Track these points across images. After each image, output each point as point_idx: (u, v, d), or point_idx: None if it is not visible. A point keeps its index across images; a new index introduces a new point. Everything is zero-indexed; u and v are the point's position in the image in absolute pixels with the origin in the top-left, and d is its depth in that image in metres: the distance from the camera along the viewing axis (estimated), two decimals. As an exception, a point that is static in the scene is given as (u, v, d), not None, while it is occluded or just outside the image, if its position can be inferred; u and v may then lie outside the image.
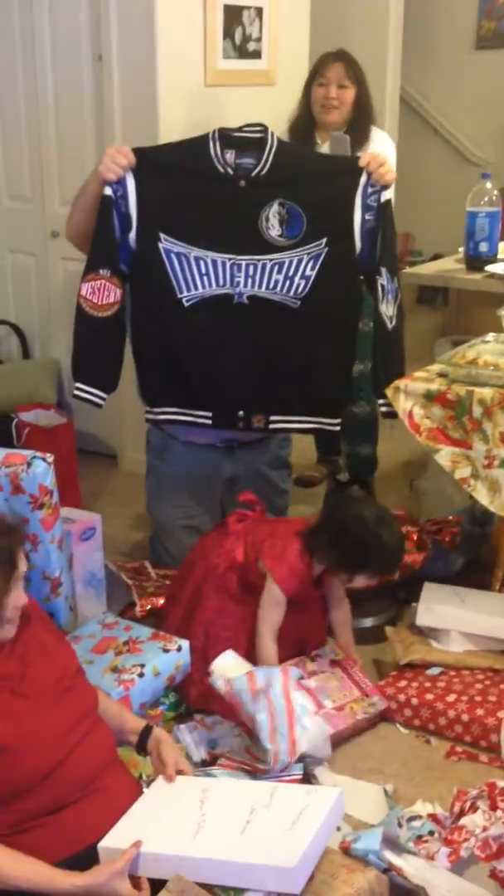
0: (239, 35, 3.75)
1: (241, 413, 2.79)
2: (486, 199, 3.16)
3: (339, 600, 2.58)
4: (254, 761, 2.23)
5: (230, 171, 2.63)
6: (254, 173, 2.64)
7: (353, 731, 2.42)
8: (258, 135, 2.66)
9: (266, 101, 3.92)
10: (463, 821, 2.02)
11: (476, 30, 6.10)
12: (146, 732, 1.99)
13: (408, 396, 2.65)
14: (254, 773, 2.18)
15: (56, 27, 3.83)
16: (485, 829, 1.98)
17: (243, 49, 3.79)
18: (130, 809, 1.84)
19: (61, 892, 1.65)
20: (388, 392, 2.66)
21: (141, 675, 2.29)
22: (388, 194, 2.66)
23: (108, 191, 2.61)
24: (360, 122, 3.35)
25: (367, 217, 2.66)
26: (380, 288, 2.71)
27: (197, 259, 2.65)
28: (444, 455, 2.63)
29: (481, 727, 2.39)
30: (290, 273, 2.67)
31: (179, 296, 2.68)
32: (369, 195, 2.65)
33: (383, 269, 2.69)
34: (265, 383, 2.78)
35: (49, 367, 4.19)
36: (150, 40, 3.49)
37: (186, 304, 2.69)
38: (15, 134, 4.13)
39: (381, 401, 2.78)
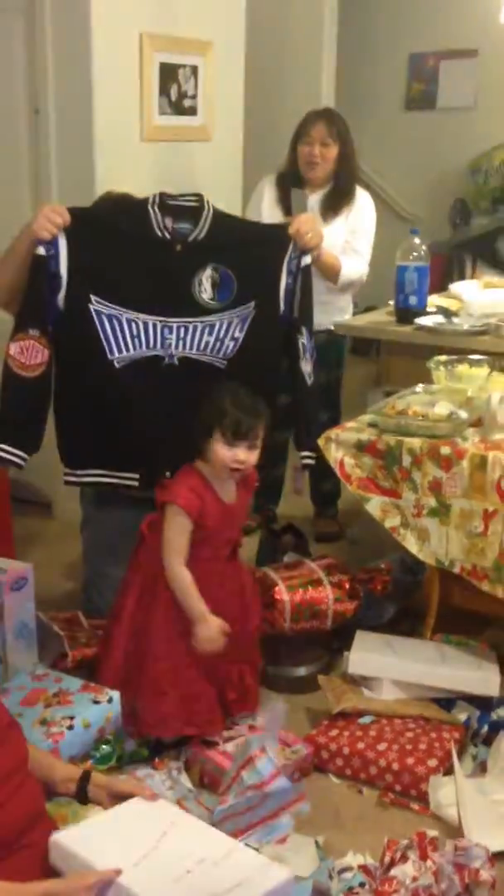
0: (175, 92, 3.83)
1: (168, 473, 2.79)
2: (414, 253, 3.25)
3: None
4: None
5: (168, 235, 2.66)
6: (190, 238, 2.67)
7: (280, 779, 2.41)
8: (194, 203, 2.71)
9: (202, 157, 4.01)
10: (393, 871, 2.02)
11: (406, 91, 6.30)
12: (85, 779, 1.94)
13: (339, 446, 2.69)
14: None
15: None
16: (415, 878, 1.99)
17: (179, 105, 3.86)
18: (99, 815, 1.84)
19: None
20: (320, 442, 2.70)
21: (70, 727, 2.27)
22: (307, 259, 2.74)
23: (40, 250, 2.60)
24: (343, 179, 3.55)
25: (288, 281, 2.73)
26: (300, 346, 2.77)
27: (129, 321, 2.66)
28: (375, 504, 2.67)
29: (411, 776, 2.39)
30: (221, 335, 2.71)
31: (110, 357, 2.68)
32: (292, 259, 2.72)
33: (304, 328, 2.76)
34: (193, 442, 2.80)
35: (-18, 416, 4.16)
36: (87, 95, 3.54)
37: (117, 366, 2.69)
38: (-50, 184, 4.14)
39: (302, 453, 2.83)
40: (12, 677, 2.52)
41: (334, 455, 2.69)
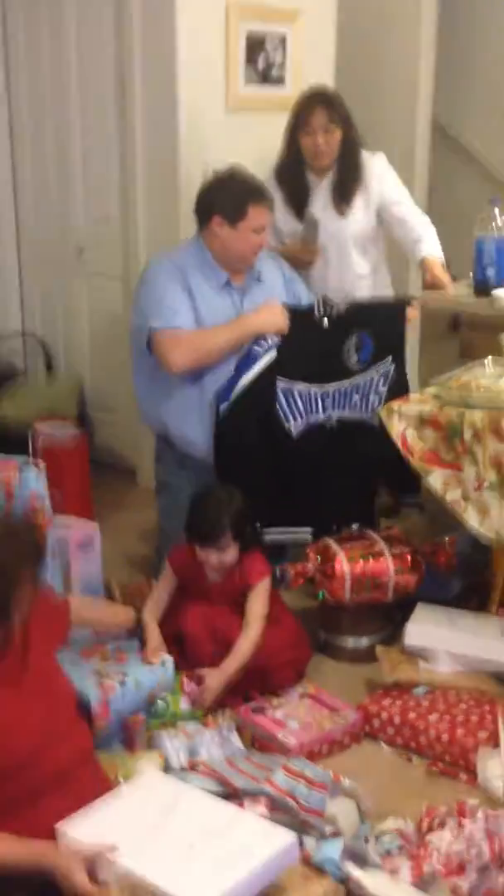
0: (262, 61, 3.83)
1: (335, 527, 3.08)
2: (493, 224, 3.18)
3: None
4: (232, 772, 2.26)
5: (318, 314, 3.02)
6: (333, 314, 3.03)
7: (326, 743, 2.45)
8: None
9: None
10: (429, 837, 2.04)
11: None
12: None
13: (402, 418, 2.68)
14: (225, 786, 2.19)
15: (82, 51, 3.95)
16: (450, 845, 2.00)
17: (266, 75, 3.86)
18: (101, 799, 1.93)
19: (18, 858, 1.76)
20: (383, 414, 2.71)
21: (122, 682, 2.35)
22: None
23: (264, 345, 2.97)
24: (347, 163, 3.35)
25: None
26: None
27: (300, 392, 3.02)
28: (437, 477, 2.65)
29: (460, 748, 2.39)
30: (366, 391, 3.10)
31: (287, 426, 3.02)
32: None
33: None
34: (355, 496, 3.17)
35: (71, 381, 4.28)
36: (172, 65, 3.58)
37: (294, 434, 3.03)
38: (41, 155, 4.24)
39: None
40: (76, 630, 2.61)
41: (397, 427, 2.68)
